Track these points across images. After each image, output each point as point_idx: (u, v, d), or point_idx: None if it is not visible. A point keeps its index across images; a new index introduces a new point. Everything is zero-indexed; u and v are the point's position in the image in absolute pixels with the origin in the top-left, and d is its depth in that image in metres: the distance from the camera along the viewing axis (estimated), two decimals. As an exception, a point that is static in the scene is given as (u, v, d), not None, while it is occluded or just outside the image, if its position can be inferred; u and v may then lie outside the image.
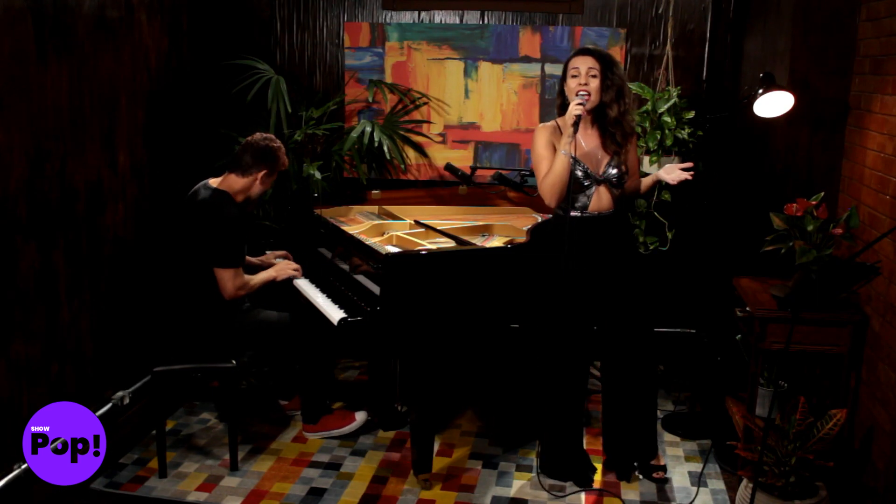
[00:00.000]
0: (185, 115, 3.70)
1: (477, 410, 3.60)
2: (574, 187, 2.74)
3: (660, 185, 3.53)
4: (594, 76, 2.68)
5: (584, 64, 2.69)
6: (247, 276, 3.13)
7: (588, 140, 2.79)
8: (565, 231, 2.76)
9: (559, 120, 2.81)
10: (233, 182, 3.12)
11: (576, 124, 2.62)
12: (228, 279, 3.04)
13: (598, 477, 3.00)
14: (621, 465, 2.99)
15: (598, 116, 2.76)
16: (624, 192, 2.88)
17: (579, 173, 2.75)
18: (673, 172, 2.90)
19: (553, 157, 2.72)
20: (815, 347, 2.69)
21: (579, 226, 2.78)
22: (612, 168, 2.79)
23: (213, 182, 3.15)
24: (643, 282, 2.87)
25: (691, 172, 2.86)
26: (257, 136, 3.16)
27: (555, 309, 2.83)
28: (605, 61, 2.70)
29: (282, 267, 3.31)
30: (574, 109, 2.62)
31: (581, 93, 2.66)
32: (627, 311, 2.84)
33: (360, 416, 3.34)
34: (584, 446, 3.08)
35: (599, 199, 2.78)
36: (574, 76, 2.70)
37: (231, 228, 3.05)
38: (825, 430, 2.51)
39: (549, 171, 2.70)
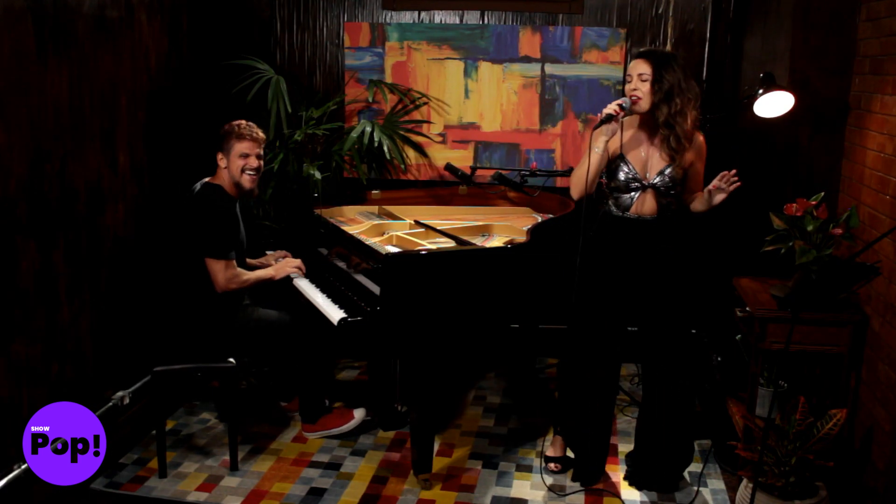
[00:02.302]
0: (185, 115, 3.69)
1: (477, 410, 3.60)
2: (619, 185, 2.73)
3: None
4: (645, 80, 2.62)
5: (635, 69, 2.65)
6: (240, 270, 3.13)
7: (645, 143, 2.72)
8: (602, 228, 2.77)
9: (630, 119, 2.76)
10: (221, 175, 3.16)
11: (602, 122, 2.61)
12: (219, 270, 3.04)
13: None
14: (661, 474, 2.94)
15: (655, 121, 2.68)
16: (677, 201, 2.74)
17: (625, 176, 2.71)
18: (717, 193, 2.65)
19: (592, 154, 2.69)
20: (815, 347, 2.69)
21: (616, 224, 2.75)
22: (664, 176, 2.69)
23: (207, 179, 3.20)
24: (686, 289, 2.80)
25: (735, 179, 2.60)
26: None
27: (576, 308, 2.79)
28: (657, 64, 2.62)
29: (280, 266, 3.31)
30: (606, 109, 2.61)
31: (631, 96, 2.64)
32: (666, 317, 2.80)
33: (359, 414, 3.34)
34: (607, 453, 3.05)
35: (642, 204, 2.71)
36: (628, 81, 2.67)
37: (221, 218, 3.06)
38: (825, 430, 2.51)
39: (579, 165, 2.72)
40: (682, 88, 2.62)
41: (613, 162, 2.74)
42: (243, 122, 3.18)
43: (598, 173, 2.71)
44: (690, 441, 2.99)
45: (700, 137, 2.73)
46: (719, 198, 2.62)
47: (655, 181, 2.70)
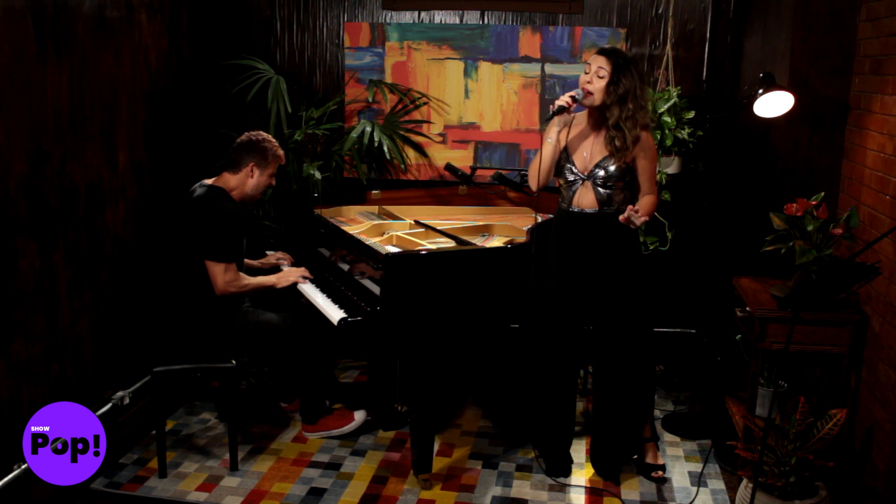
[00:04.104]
0: (185, 115, 3.70)
1: (477, 410, 3.60)
2: (563, 179, 2.82)
3: (659, 184, 3.53)
4: (601, 77, 2.66)
5: (595, 62, 2.69)
6: (241, 275, 3.12)
7: (586, 137, 2.79)
8: (554, 225, 2.85)
9: (580, 114, 2.84)
10: (227, 180, 3.14)
11: (555, 113, 2.68)
12: (219, 273, 3.04)
13: (598, 476, 3.00)
14: (607, 465, 2.99)
15: (602, 117, 2.74)
16: (623, 196, 2.76)
17: (566, 169, 2.80)
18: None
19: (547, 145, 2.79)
20: (815, 347, 2.70)
21: (563, 218, 2.84)
22: (601, 169, 2.74)
23: (209, 181, 3.17)
24: (639, 283, 2.83)
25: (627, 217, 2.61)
26: (245, 134, 3.18)
27: (536, 305, 2.87)
28: (617, 65, 2.65)
29: (283, 274, 3.30)
30: (558, 100, 2.66)
31: (580, 89, 2.69)
32: (618, 312, 2.84)
33: (359, 416, 3.34)
34: (571, 446, 3.10)
35: (581, 197, 2.77)
36: (586, 72, 2.71)
37: (224, 222, 3.05)
38: (825, 430, 2.51)
39: (535, 158, 2.79)
40: (636, 94, 2.66)
41: (560, 155, 2.81)
42: (276, 141, 3.20)
43: (553, 164, 2.80)
44: (637, 431, 3.02)
45: (645, 134, 2.72)
46: (633, 224, 2.61)
47: (593, 173, 2.75)
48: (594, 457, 3.04)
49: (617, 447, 2.98)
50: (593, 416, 3.03)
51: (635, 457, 3.04)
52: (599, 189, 2.75)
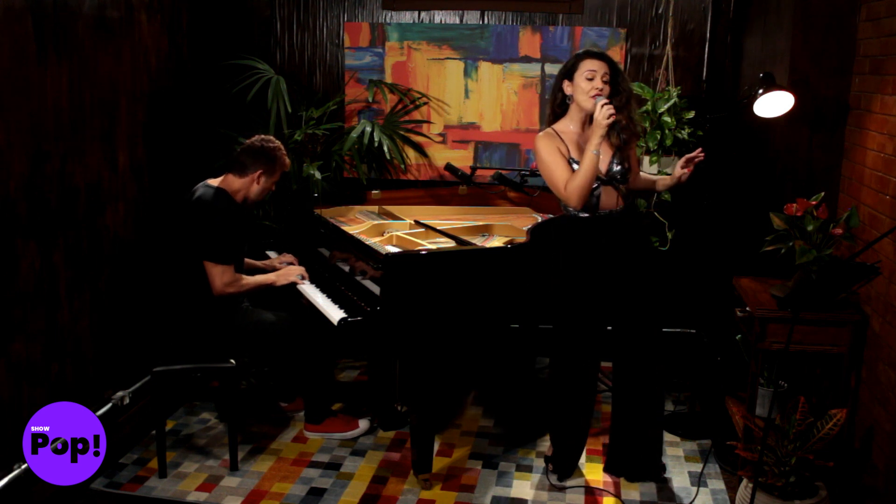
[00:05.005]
0: (185, 115, 3.70)
1: (477, 410, 3.60)
2: None
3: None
4: (606, 82, 2.69)
5: (601, 68, 2.68)
6: (239, 275, 3.12)
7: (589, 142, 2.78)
8: (572, 231, 2.80)
9: (556, 126, 2.80)
10: (231, 182, 3.13)
11: (615, 125, 2.68)
12: (216, 275, 3.04)
13: (597, 477, 3.01)
14: (629, 466, 2.97)
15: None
16: (629, 188, 2.85)
17: None
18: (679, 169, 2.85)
19: (564, 161, 2.72)
20: (815, 347, 2.70)
21: (592, 225, 2.77)
22: (616, 165, 2.78)
23: (213, 182, 3.16)
24: (657, 281, 2.85)
25: (697, 157, 2.80)
26: (256, 138, 3.17)
27: (565, 309, 2.83)
28: (616, 69, 2.73)
29: (283, 273, 3.29)
30: (608, 110, 2.60)
31: (599, 96, 2.66)
32: (643, 310, 2.83)
33: (364, 424, 3.34)
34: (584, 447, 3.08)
35: (608, 198, 2.76)
36: (589, 79, 2.68)
37: (223, 223, 3.05)
38: (825, 430, 2.51)
39: (578, 173, 2.66)
40: (634, 93, 2.82)
41: (571, 166, 2.74)
42: (283, 148, 3.20)
43: None
44: (660, 431, 3.01)
45: None
46: (686, 176, 2.83)
47: (611, 174, 2.78)
48: (614, 459, 3.01)
49: (645, 445, 2.95)
50: (614, 417, 2.99)
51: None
52: (620, 187, 2.79)
